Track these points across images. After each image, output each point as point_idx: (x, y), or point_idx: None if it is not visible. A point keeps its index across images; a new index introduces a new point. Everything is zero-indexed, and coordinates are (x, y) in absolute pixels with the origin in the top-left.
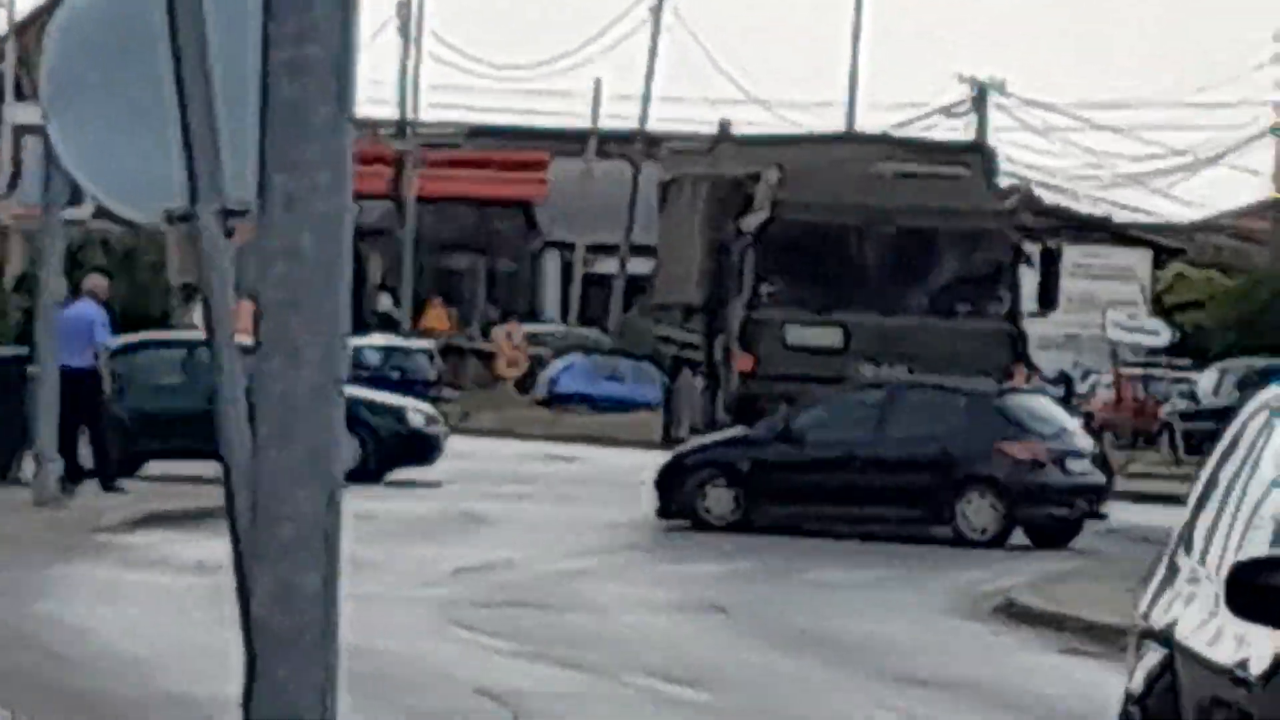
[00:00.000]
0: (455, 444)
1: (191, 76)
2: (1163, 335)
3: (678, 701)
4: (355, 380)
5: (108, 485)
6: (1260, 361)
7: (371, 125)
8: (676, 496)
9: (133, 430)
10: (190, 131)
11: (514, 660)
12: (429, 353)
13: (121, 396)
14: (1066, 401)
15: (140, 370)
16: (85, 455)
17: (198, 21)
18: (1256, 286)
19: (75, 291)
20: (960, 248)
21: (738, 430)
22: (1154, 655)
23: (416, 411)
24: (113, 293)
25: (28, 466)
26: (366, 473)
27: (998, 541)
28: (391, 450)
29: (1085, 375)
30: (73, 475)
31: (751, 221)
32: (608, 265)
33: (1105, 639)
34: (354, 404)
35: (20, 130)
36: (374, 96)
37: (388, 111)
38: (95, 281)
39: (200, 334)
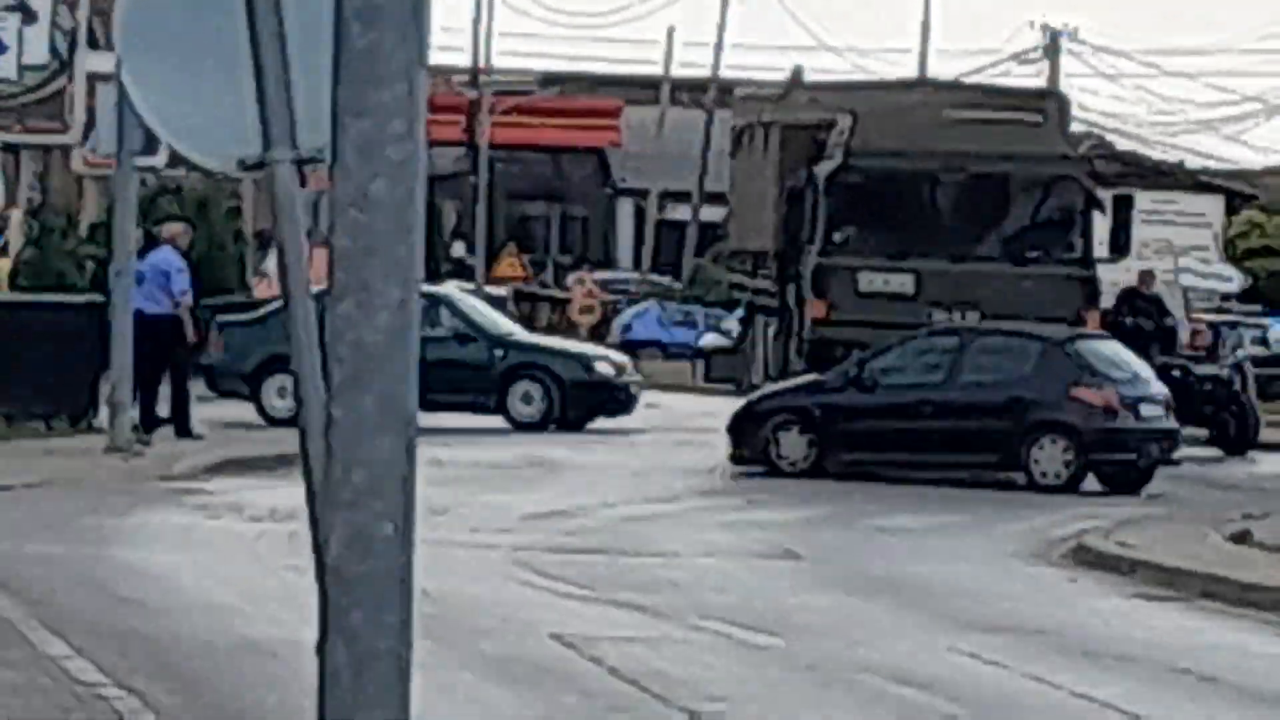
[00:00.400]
0: None
1: (264, 23)
2: (1235, 281)
3: (749, 645)
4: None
5: (183, 431)
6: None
7: (445, 73)
8: (750, 442)
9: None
10: (263, 79)
11: (586, 605)
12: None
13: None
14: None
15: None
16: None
17: None
18: None
19: (150, 239)
20: (1033, 194)
21: (811, 376)
22: None
23: (605, 361)
24: (189, 241)
25: (104, 413)
26: (565, 421)
27: (1070, 487)
28: (579, 399)
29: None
30: (149, 423)
31: (824, 168)
32: (681, 212)
33: (1176, 583)
34: (540, 351)
35: (94, 78)
36: (447, 44)
37: (461, 59)
38: (173, 229)
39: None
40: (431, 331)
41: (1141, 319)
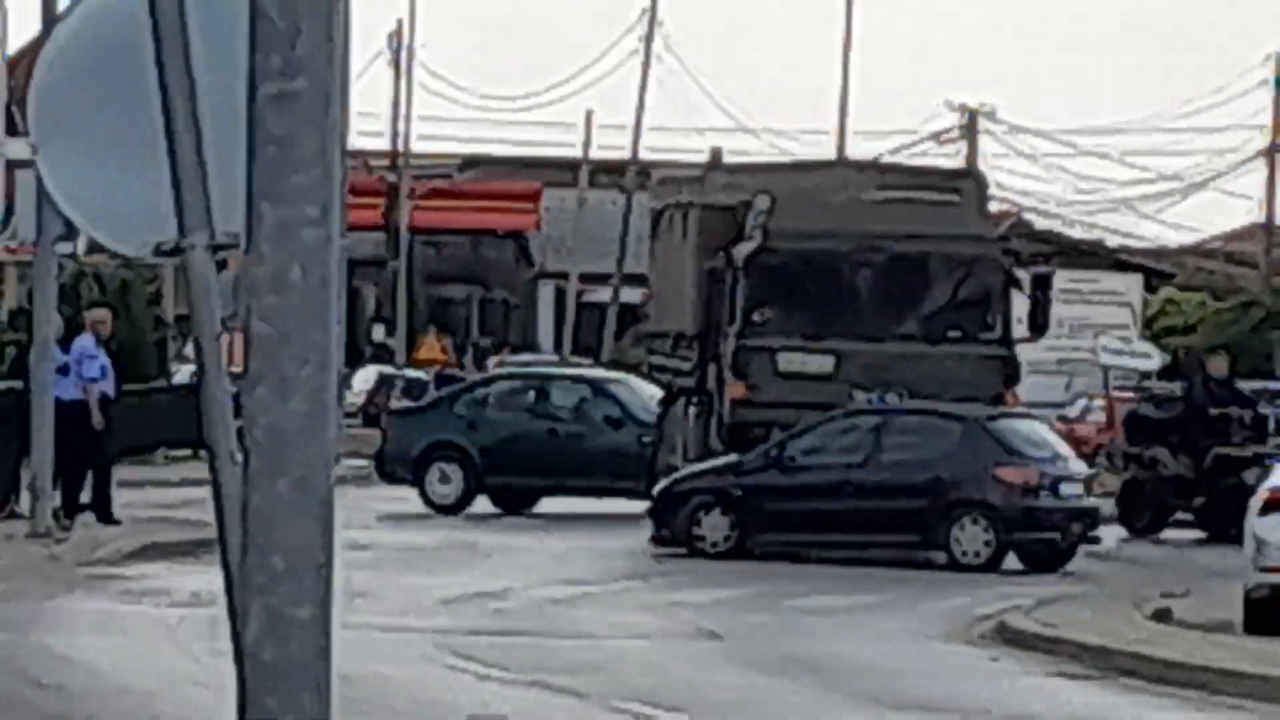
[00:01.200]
0: None
1: (179, 109)
2: (1154, 359)
3: None
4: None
5: (104, 517)
6: (1252, 385)
7: (364, 156)
8: (670, 524)
9: (482, 464)
10: (178, 164)
11: (506, 687)
12: (426, 383)
13: (472, 430)
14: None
15: (490, 404)
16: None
17: (184, 54)
18: (1246, 310)
19: (74, 327)
20: (952, 273)
21: (731, 457)
22: None
23: None
24: (110, 328)
25: (25, 499)
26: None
27: (991, 566)
28: None
29: (1075, 399)
30: (70, 509)
31: (742, 250)
32: (601, 294)
33: (1098, 662)
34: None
35: (13, 165)
36: (366, 129)
37: (380, 143)
38: (96, 315)
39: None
40: (584, 416)
41: (1232, 408)
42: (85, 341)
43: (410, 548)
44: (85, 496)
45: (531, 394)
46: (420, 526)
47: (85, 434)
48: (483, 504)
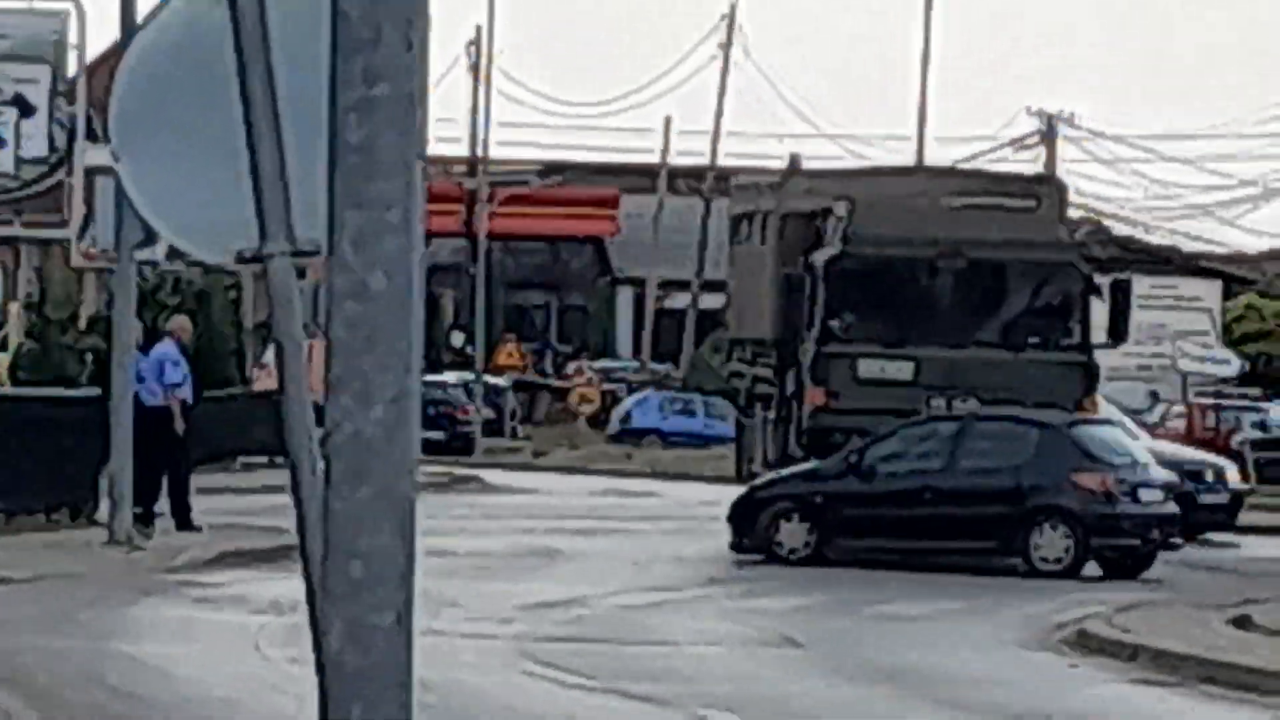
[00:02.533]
0: (529, 479)
1: (260, 116)
2: (1233, 365)
3: None
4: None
5: (183, 524)
6: None
7: (443, 163)
8: (750, 531)
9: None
10: (260, 171)
11: (587, 694)
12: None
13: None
14: None
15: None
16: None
17: (266, 61)
18: None
19: (151, 333)
20: (1031, 280)
21: (810, 464)
22: None
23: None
24: (192, 334)
25: (105, 506)
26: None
27: (1071, 572)
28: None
29: (1155, 405)
30: (148, 515)
31: (821, 256)
32: (679, 301)
33: (1177, 669)
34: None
35: (92, 171)
36: (445, 135)
37: (459, 149)
38: (178, 323)
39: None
40: None
41: None
42: (167, 348)
43: (487, 553)
44: (162, 504)
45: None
46: (494, 534)
47: (166, 440)
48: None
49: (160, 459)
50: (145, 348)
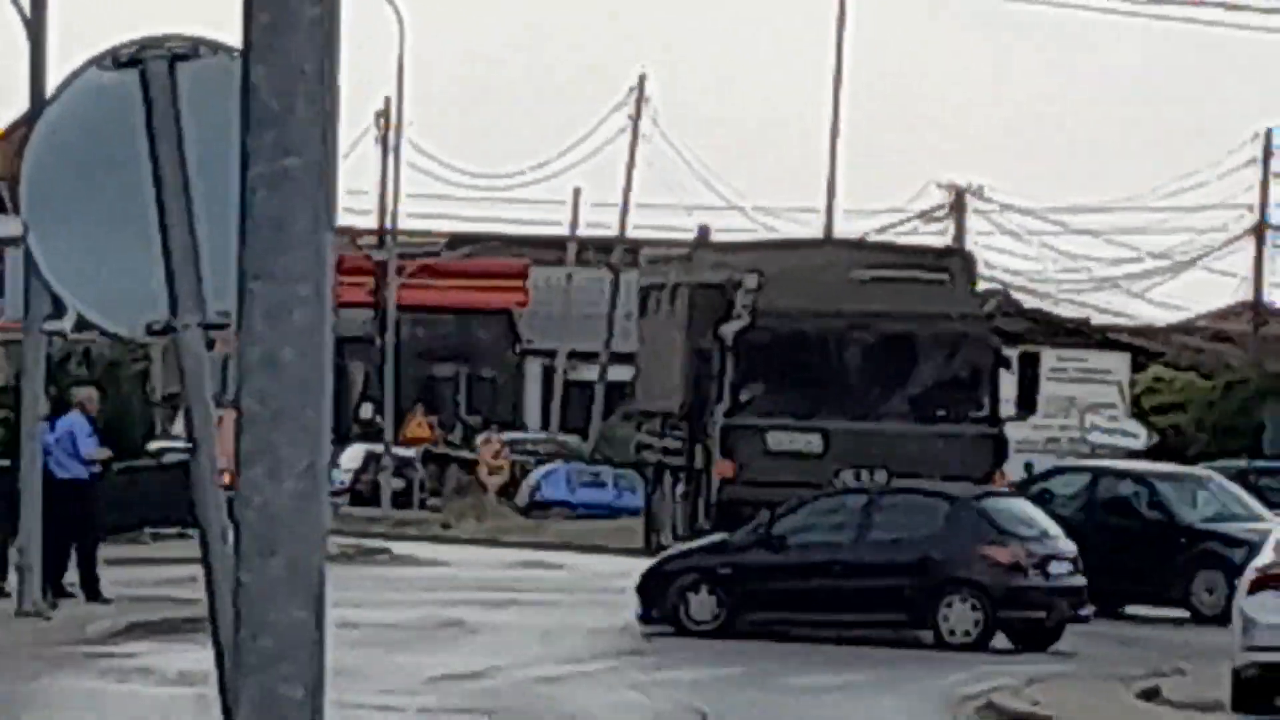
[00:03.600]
0: (438, 551)
1: (171, 188)
2: (1141, 438)
3: None
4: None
5: (92, 595)
6: (1238, 464)
7: (352, 234)
8: (659, 602)
9: None
10: (170, 244)
11: None
12: (413, 460)
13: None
14: None
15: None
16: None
17: (176, 134)
18: (1234, 389)
19: (60, 404)
20: (940, 352)
21: (719, 536)
22: None
23: None
24: (97, 405)
25: (13, 577)
26: None
27: (980, 644)
28: None
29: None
30: (58, 588)
31: (731, 328)
32: (589, 373)
33: None
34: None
35: (1, 243)
36: (354, 206)
37: (368, 221)
38: (85, 394)
39: None
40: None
41: None
42: (74, 419)
43: (397, 625)
44: (71, 575)
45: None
46: (404, 606)
47: (75, 512)
48: None
49: (70, 531)
50: (51, 419)
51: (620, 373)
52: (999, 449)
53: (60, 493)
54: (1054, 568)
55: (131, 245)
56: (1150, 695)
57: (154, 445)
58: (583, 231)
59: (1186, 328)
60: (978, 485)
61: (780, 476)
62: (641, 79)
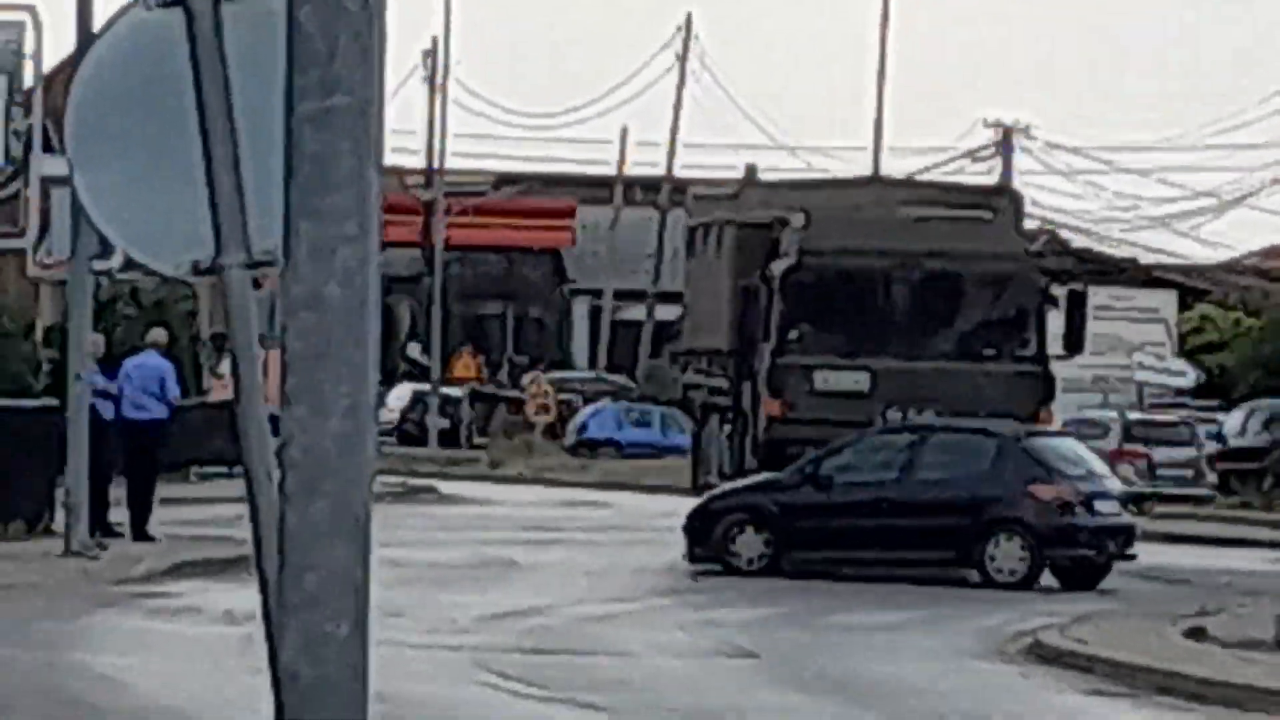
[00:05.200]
0: (485, 490)
1: (216, 128)
2: (1189, 376)
3: None
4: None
5: (141, 535)
6: None
7: (399, 174)
8: (705, 541)
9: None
10: (215, 182)
11: (542, 705)
12: (460, 400)
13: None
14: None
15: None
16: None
17: (221, 73)
18: None
19: (110, 343)
20: (986, 291)
21: (766, 475)
22: None
23: None
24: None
25: (60, 516)
26: None
27: (1026, 583)
28: None
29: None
30: (142, 532)
31: (777, 267)
32: (636, 312)
33: (1132, 680)
34: None
35: (48, 182)
36: (401, 146)
37: (415, 160)
38: (157, 335)
39: None
40: None
41: None
42: (160, 360)
43: (444, 564)
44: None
45: None
46: (451, 545)
47: (153, 451)
48: None
49: (148, 470)
50: (114, 361)
51: (667, 312)
52: (1046, 387)
53: (137, 432)
54: (1100, 506)
55: (177, 184)
56: (1197, 634)
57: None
58: (630, 171)
59: (1233, 266)
60: (1024, 424)
61: (827, 415)
62: (689, 18)
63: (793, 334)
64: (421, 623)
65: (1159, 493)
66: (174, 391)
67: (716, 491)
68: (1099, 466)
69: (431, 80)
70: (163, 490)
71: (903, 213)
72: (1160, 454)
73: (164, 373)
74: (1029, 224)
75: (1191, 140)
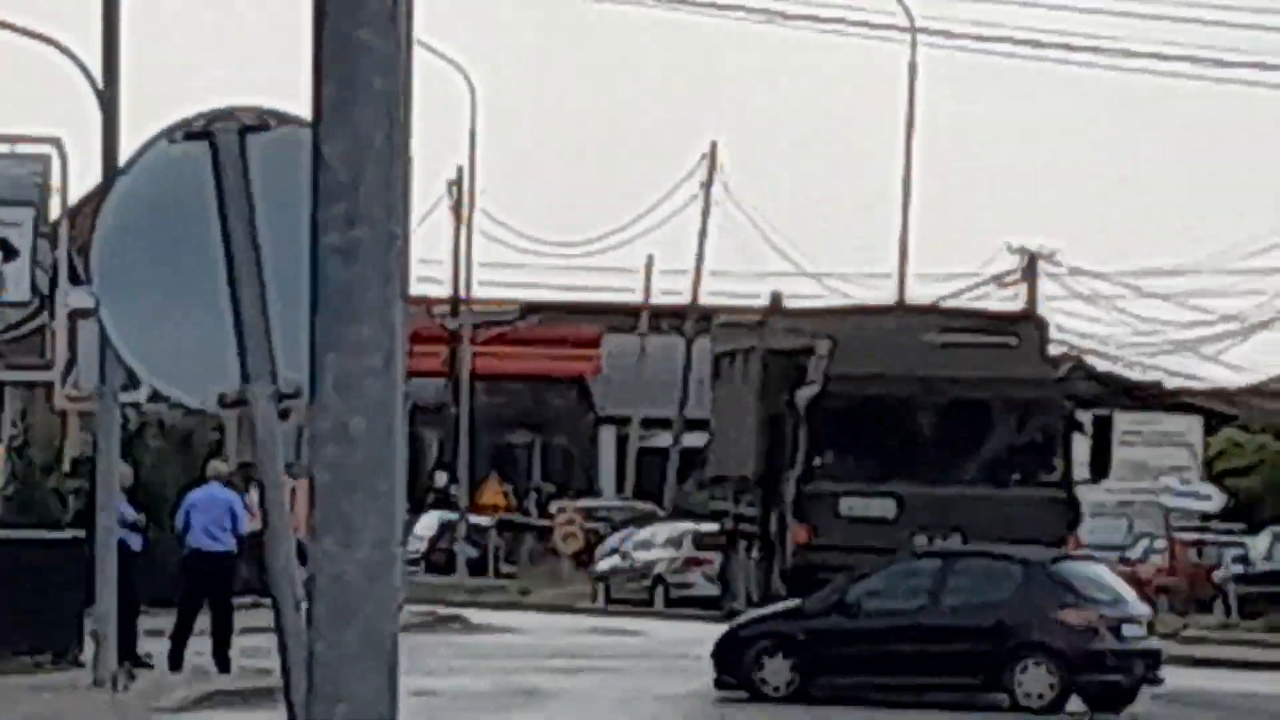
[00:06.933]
0: (514, 618)
1: (241, 260)
2: (1215, 500)
3: None
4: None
5: (224, 661)
6: None
7: (426, 303)
8: (733, 668)
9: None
10: (242, 315)
11: None
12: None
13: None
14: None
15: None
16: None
17: (246, 205)
18: None
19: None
20: (1012, 417)
21: (794, 601)
22: None
23: None
24: (169, 475)
25: (89, 648)
26: None
27: (1054, 708)
28: None
29: (1137, 541)
30: (224, 661)
31: (804, 394)
32: (662, 439)
33: None
34: None
35: (75, 314)
36: (427, 275)
37: (441, 290)
38: (219, 467)
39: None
40: None
41: None
42: (228, 493)
43: (472, 693)
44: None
45: None
46: (479, 673)
47: (224, 584)
48: None
49: (229, 600)
50: (133, 490)
51: (694, 439)
52: (1072, 512)
53: (211, 563)
54: (1128, 630)
55: (203, 316)
56: None
57: None
58: (655, 299)
59: (1259, 390)
60: (1051, 549)
61: (854, 541)
62: (713, 146)
63: (819, 460)
64: None
65: None
66: (244, 523)
67: (744, 618)
68: (1125, 591)
69: (457, 210)
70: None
71: (928, 339)
72: None
73: (233, 504)
74: (1054, 349)
75: (1215, 265)
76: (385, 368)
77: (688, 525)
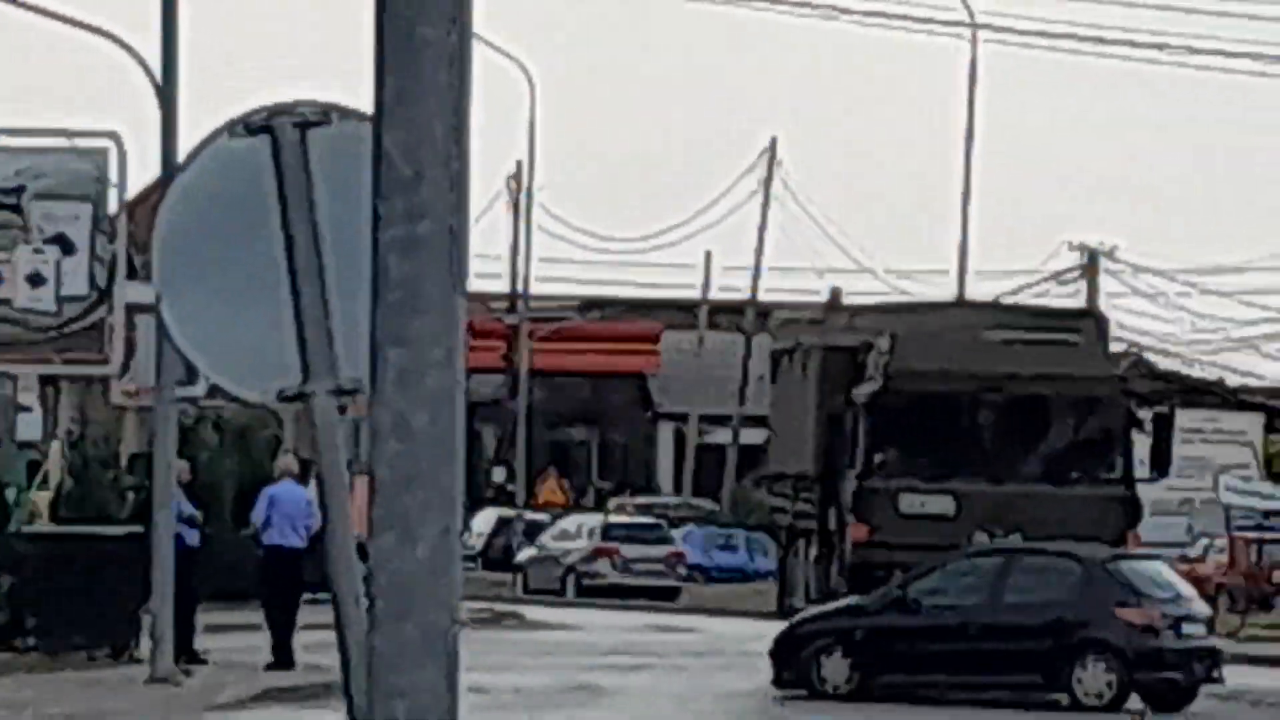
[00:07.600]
0: (570, 615)
1: (302, 254)
2: (1277, 498)
3: None
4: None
5: (287, 657)
6: None
7: (483, 299)
8: (792, 666)
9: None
10: (302, 310)
11: None
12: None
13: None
14: None
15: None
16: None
17: (307, 200)
18: None
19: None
20: (1073, 414)
21: (852, 599)
22: None
23: None
24: (226, 471)
25: (146, 643)
26: None
27: (1114, 706)
28: None
29: (1197, 539)
30: (285, 659)
31: (863, 391)
32: (721, 436)
33: None
34: None
35: (133, 309)
36: (486, 271)
37: (500, 285)
38: (290, 463)
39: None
40: None
41: None
42: (299, 489)
43: (530, 690)
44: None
45: None
46: (536, 670)
47: (297, 580)
48: None
49: (298, 596)
50: (190, 485)
51: (752, 436)
52: (1132, 510)
53: (289, 559)
54: (1187, 629)
55: (263, 311)
56: None
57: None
58: (714, 295)
59: None
60: (1111, 547)
61: (913, 539)
62: (773, 142)
63: (878, 457)
64: None
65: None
66: (317, 519)
67: (803, 616)
68: (1185, 589)
69: (515, 204)
70: (249, 616)
71: (988, 336)
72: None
73: (311, 500)
74: (1115, 347)
75: (1277, 262)
76: (446, 362)
77: (599, 517)
